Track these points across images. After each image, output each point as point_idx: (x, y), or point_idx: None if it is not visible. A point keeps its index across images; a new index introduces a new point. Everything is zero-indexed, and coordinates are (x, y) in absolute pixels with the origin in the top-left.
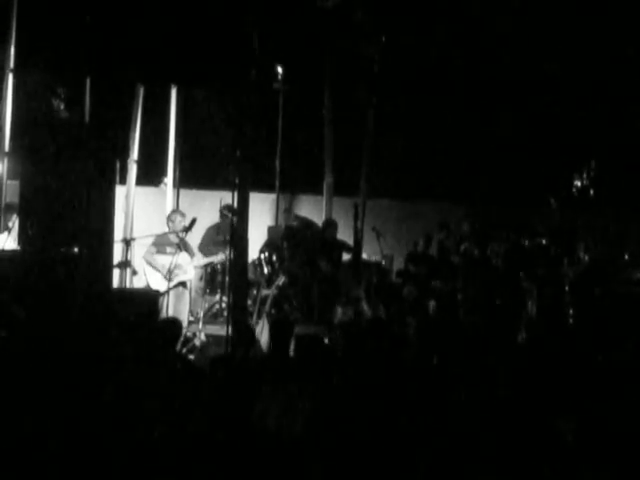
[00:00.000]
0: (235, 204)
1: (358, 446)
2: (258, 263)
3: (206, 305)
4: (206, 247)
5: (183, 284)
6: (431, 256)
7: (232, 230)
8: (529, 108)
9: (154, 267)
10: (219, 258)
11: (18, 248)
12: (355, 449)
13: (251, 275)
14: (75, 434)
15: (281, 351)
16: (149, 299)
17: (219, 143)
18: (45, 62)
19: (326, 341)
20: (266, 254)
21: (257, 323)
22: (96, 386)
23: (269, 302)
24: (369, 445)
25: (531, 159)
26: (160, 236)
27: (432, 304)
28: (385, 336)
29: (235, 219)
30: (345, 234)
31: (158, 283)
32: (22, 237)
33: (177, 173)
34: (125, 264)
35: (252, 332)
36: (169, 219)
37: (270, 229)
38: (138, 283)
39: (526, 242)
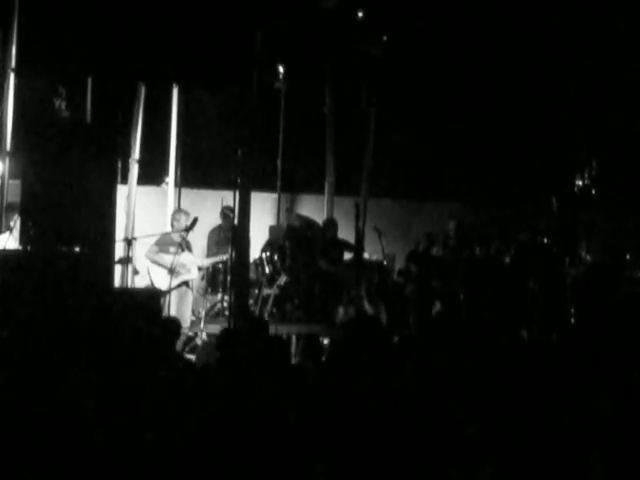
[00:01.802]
0: (237, 204)
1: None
2: (259, 262)
3: (208, 304)
4: (210, 251)
5: (186, 283)
6: (432, 255)
7: (233, 230)
8: (531, 107)
9: (158, 264)
10: (223, 258)
11: (20, 248)
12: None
13: (252, 274)
14: (72, 433)
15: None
16: (151, 298)
17: (220, 142)
18: (47, 61)
19: (327, 340)
20: (267, 253)
21: None
22: (96, 384)
23: (270, 301)
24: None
25: (533, 158)
26: (163, 235)
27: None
28: (379, 334)
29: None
30: (346, 233)
31: (162, 281)
32: (24, 237)
33: (179, 173)
34: (127, 259)
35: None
36: (173, 218)
37: (271, 228)
38: (140, 283)
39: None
